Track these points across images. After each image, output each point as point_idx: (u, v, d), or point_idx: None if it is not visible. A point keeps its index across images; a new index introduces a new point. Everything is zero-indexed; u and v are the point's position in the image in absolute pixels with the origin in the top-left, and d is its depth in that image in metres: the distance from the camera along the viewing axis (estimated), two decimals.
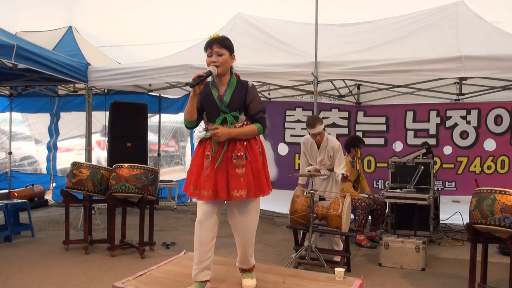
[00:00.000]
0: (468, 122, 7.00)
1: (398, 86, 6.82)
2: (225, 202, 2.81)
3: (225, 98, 2.71)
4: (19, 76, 6.32)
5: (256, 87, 8.00)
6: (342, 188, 5.59)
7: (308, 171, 4.86)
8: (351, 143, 5.83)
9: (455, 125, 7.07)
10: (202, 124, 2.91)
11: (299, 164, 7.51)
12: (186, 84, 2.62)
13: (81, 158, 6.68)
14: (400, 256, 4.74)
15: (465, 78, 6.05)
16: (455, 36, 5.50)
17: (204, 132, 2.79)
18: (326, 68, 5.30)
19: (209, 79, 2.73)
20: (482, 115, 6.92)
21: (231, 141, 2.67)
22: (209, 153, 2.69)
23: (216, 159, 2.66)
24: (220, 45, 2.69)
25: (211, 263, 2.81)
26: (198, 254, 2.76)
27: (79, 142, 8.82)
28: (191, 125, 2.81)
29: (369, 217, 5.83)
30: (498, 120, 6.85)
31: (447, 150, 7.10)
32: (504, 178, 6.63)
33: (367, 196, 5.90)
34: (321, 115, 7.47)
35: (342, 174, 4.68)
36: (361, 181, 6.04)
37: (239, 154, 2.66)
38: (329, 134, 5.12)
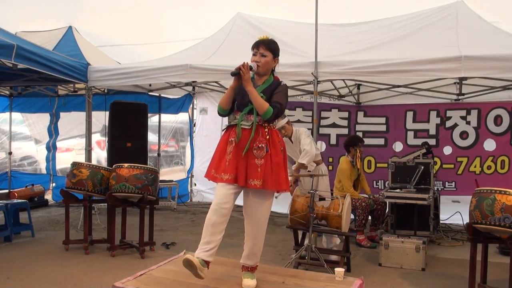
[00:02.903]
0: (468, 123, 7.00)
1: (398, 86, 6.83)
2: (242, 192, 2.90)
3: (257, 90, 2.85)
4: (19, 76, 6.32)
5: None
6: (342, 188, 5.60)
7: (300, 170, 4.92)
8: (350, 143, 5.82)
9: (455, 125, 7.07)
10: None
11: None
12: (231, 74, 2.86)
13: (81, 158, 6.67)
14: (400, 256, 4.74)
15: (465, 78, 6.06)
16: (455, 36, 5.50)
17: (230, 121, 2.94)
18: (326, 68, 5.30)
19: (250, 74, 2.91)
20: (482, 115, 6.92)
21: (255, 133, 2.81)
22: (232, 139, 2.83)
23: (239, 146, 2.79)
24: (266, 47, 2.91)
25: (217, 247, 2.86)
26: (209, 234, 2.82)
27: (79, 142, 8.81)
28: (223, 113, 2.98)
29: (369, 217, 5.83)
30: (498, 120, 6.84)
31: (447, 150, 7.10)
32: (504, 178, 6.63)
33: (367, 196, 5.90)
34: (321, 115, 7.49)
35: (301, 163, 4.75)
36: (361, 181, 6.04)
37: (260, 145, 2.79)
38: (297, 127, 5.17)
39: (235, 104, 2.93)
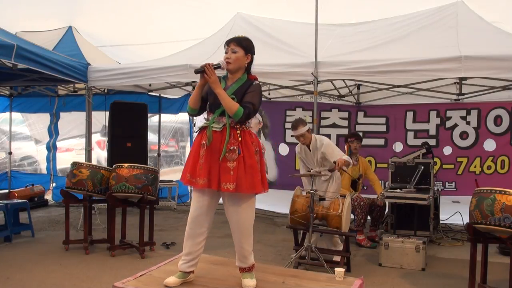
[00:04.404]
0: (468, 123, 7.00)
1: (398, 86, 6.82)
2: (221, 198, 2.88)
3: (228, 91, 2.79)
4: (19, 76, 6.32)
5: None
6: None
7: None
8: (345, 140, 6.00)
9: (455, 125, 7.07)
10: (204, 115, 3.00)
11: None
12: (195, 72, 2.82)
13: (81, 158, 6.67)
14: (400, 256, 4.74)
15: (465, 78, 6.05)
16: (455, 36, 5.50)
17: (204, 121, 2.90)
18: (326, 68, 5.30)
19: (224, 73, 2.89)
20: (482, 116, 6.92)
21: (229, 136, 2.75)
22: (204, 142, 2.77)
23: (211, 149, 2.74)
24: (236, 43, 2.84)
25: (199, 256, 2.91)
26: (188, 246, 2.87)
27: (79, 142, 8.81)
28: (192, 112, 2.93)
29: (369, 217, 5.84)
30: (497, 120, 6.84)
31: (447, 150, 7.10)
32: (504, 178, 6.63)
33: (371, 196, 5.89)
34: (321, 115, 7.49)
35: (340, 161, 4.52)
36: (375, 183, 6.00)
37: (231, 148, 2.72)
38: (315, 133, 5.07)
39: (208, 105, 2.87)
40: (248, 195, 2.81)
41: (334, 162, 4.49)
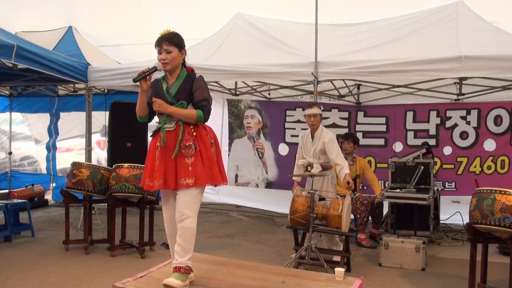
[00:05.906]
0: (468, 123, 7.00)
1: (398, 86, 6.83)
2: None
3: (171, 90, 2.79)
4: (19, 76, 6.32)
5: (256, 87, 7.97)
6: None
7: (306, 169, 4.85)
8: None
9: (455, 125, 7.07)
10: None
11: None
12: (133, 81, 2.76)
13: (81, 158, 6.68)
14: (400, 256, 4.74)
15: (465, 78, 6.06)
16: (455, 36, 5.50)
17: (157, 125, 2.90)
18: (326, 68, 5.30)
19: (162, 73, 2.85)
20: (482, 116, 6.91)
21: (183, 132, 2.74)
22: (158, 144, 2.77)
23: (165, 149, 2.73)
24: (168, 43, 2.78)
25: None
26: (170, 244, 2.95)
27: (79, 142, 8.82)
28: (142, 120, 2.93)
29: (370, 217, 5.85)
30: (498, 120, 6.84)
31: (447, 150, 7.09)
32: (504, 178, 6.63)
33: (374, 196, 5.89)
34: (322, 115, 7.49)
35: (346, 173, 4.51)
36: (373, 182, 5.98)
37: (187, 144, 2.72)
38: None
39: None
40: (195, 193, 2.76)
41: (348, 183, 4.47)
